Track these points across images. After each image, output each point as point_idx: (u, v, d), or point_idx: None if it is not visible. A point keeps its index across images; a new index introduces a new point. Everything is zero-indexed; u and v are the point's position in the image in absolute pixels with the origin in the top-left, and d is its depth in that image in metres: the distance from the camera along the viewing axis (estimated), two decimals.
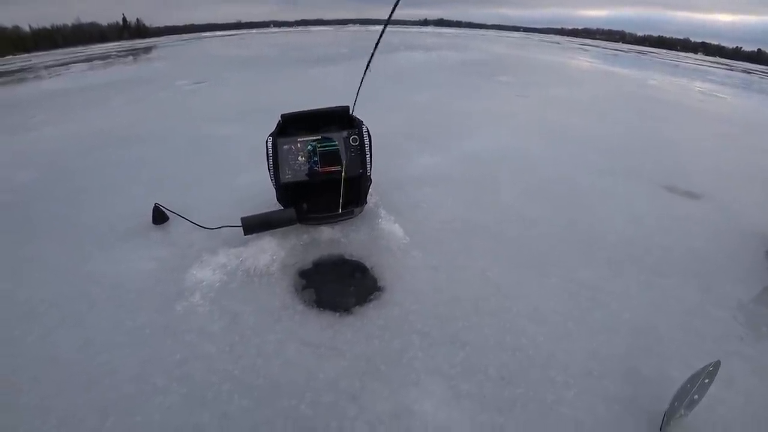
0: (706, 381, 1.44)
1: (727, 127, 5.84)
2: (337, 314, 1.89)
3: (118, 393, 1.57)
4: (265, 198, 2.66)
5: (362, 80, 2.29)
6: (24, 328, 1.86)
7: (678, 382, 1.47)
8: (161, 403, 1.53)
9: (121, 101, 6.59)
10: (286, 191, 2.38)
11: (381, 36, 2.11)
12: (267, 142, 2.33)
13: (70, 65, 11.86)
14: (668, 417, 1.45)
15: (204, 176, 3.40)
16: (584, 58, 12.71)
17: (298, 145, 2.36)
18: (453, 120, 5.01)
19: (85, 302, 2.00)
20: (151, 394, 1.57)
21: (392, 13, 1.89)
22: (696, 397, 1.43)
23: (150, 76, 8.84)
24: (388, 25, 2.05)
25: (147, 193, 3.04)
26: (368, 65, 2.22)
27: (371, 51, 2.23)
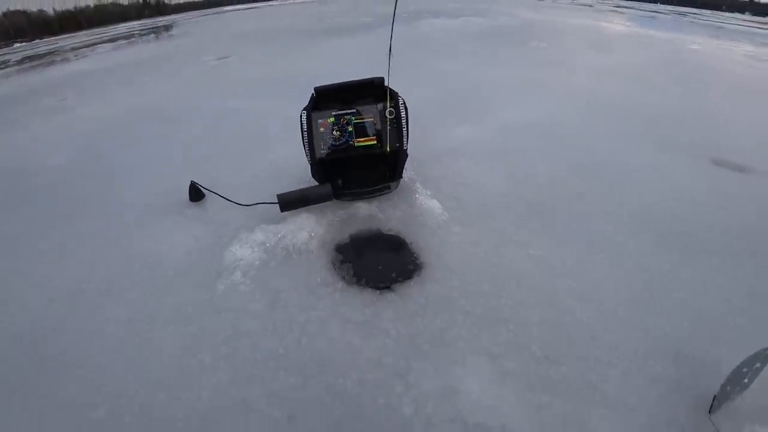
0: (758, 365, 1.34)
1: None
2: (378, 291, 1.86)
3: (166, 370, 1.60)
4: (299, 173, 2.62)
5: (390, 51, 2.17)
6: (71, 307, 1.92)
7: (729, 367, 1.38)
8: (209, 380, 1.55)
9: (149, 79, 6.64)
10: (321, 167, 2.32)
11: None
12: (301, 116, 2.27)
13: (95, 46, 12.01)
14: (718, 401, 1.38)
15: (237, 152, 3.39)
16: (620, 22, 11.96)
17: (332, 119, 2.29)
18: (485, 90, 4.79)
19: (128, 280, 2.04)
20: (198, 371, 1.59)
21: None
22: (746, 380, 1.34)
23: (174, 53, 8.84)
24: None
25: (181, 169, 3.07)
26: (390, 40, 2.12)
27: (396, 20, 2.13)
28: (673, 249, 2.14)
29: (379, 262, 2.01)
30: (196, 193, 2.61)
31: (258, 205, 2.40)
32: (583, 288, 1.89)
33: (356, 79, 2.44)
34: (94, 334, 1.77)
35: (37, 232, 2.54)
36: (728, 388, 1.35)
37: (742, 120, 4.14)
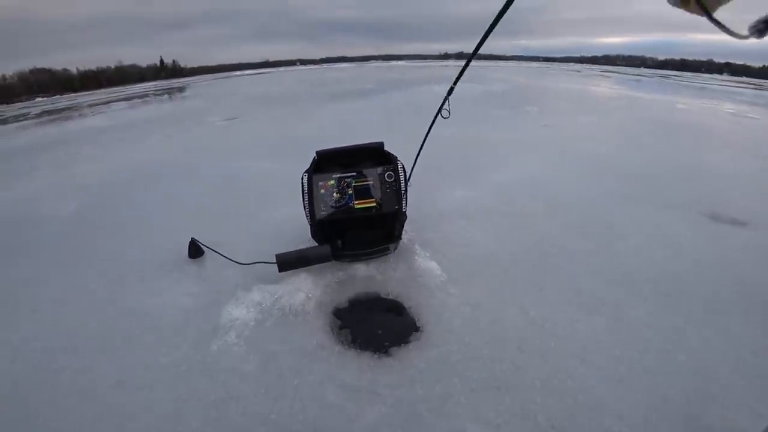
0: None
1: (762, 148, 5.66)
2: (376, 356, 1.82)
3: None
4: (298, 233, 2.67)
5: (423, 143, 2.32)
6: (63, 363, 1.87)
7: None
8: None
9: (159, 137, 6.91)
10: (321, 228, 2.37)
11: (461, 73, 2.18)
12: (302, 178, 2.35)
13: (111, 104, 12.60)
14: None
15: (238, 210, 3.46)
16: (607, 85, 12.68)
17: (333, 181, 2.37)
18: (482, 152, 4.99)
19: (122, 337, 2.00)
20: None
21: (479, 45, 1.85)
22: None
23: (185, 113, 9.27)
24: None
25: (183, 225, 3.12)
26: (429, 130, 2.49)
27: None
28: (675, 307, 2.12)
29: (377, 326, 1.99)
30: (195, 250, 2.63)
31: (256, 264, 2.42)
32: (587, 351, 1.85)
33: (357, 143, 2.56)
34: (84, 391, 1.71)
35: (36, 282, 2.54)
36: None
37: (734, 174, 4.30)
